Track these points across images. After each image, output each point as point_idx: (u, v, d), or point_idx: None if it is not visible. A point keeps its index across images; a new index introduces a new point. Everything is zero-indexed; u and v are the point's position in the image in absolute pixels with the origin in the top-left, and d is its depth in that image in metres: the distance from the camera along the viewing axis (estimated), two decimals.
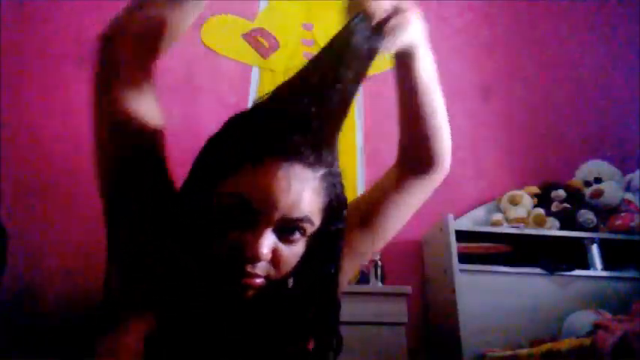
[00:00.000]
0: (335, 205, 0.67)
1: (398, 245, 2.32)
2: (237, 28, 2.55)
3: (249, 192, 0.60)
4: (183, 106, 2.26)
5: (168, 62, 2.17)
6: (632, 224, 2.19)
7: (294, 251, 0.63)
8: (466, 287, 1.97)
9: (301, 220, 0.62)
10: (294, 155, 0.61)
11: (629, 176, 2.40)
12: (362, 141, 2.47)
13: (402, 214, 0.80)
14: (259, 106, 0.67)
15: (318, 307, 0.67)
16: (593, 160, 2.45)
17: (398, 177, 0.79)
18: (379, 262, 2.01)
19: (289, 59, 2.52)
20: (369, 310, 1.79)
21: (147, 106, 0.67)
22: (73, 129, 2.10)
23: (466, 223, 2.32)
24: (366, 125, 2.49)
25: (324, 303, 0.68)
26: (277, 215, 0.60)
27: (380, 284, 1.96)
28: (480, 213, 2.40)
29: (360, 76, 0.66)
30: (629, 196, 2.32)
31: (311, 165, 0.62)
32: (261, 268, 0.61)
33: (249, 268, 0.60)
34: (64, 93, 2.23)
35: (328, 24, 2.62)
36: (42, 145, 2.16)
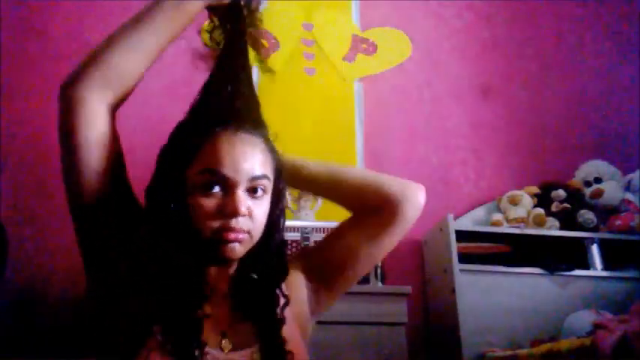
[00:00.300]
0: (280, 165, 0.82)
1: (398, 245, 2.31)
2: None
3: (216, 163, 0.73)
4: (183, 106, 2.26)
5: (168, 63, 2.18)
6: (632, 224, 2.19)
7: (261, 206, 0.76)
8: (466, 287, 1.97)
9: (261, 178, 0.76)
10: (237, 125, 0.76)
11: (629, 176, 2.40)
12: (362, 141, 2.47)
13: (373, 261, 0.93)
14: (196, 103, 0.82)
15: (273, 246, 0.81)
16: (593, 160, 2.44)
17: (362, 230, 0.88)
18: (379, 262, 2.01)
19: (289, 59, 2.52)
20: (369, 310, 1.79)
21: (108, 143, 0.75)
22: None
23: (466, 223, 2.32)
24: (366, 125, 2.49)
25: (277, 242, 0.82)
26: (243, 176, 0.73)
27: (380, 284, 1.96)
28: (479, 213, 2.40)
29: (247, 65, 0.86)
30: (629, 196, 2.31)
31: (251, 131, 0.77)
32: (243, 223, 0.73)
33: (232, 223, 0.72)
34: None
35: (328, 24, 2.62)
36: (42, 145, 2.16)
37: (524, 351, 1.72)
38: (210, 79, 0.83)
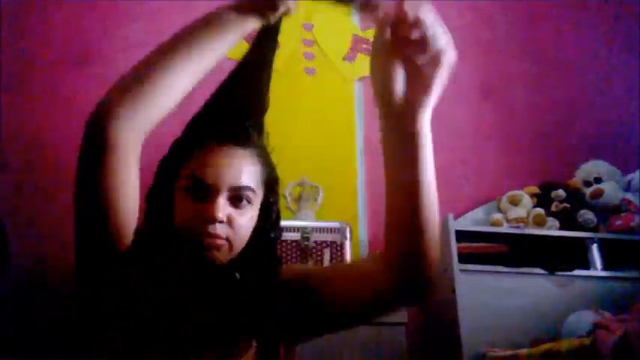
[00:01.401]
0: (272, 177, 0.83)
1: None
2: None
3: (200, 171, 0.76)
4: (183, 106, 2.26)
5: None
6: (632, 224, 2.18)
7: (244, 215, 0.77)
8: (466, 287, 1.97)
9: (244, 188, 0.77)
10: (229, 138, 0.78)
11: (629, 176, 2.40)
12: (362, 142, 2.47)
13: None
14: (200, 113, 0.84)
15: (264, 267, 0.82)
16: (593, 160, 2.44)
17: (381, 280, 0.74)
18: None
19: (289, 59, 2.52)
20: None
21: (128, 190, 0.72)
22: (73, 128, 2.10)
23: (466, 223, 2.32)
24: (366, 126, 2.49)
25: (270, 263, 0.83)
26: (224, 185, 0.75)
27: None
28: (479, 213, 2.40)
29: (267, 77, 0.87)
30: (629, 196, 2.31)
31: (242, 144, 0.79)
32: (221, 229, 0.74)
33: (210, 229, 0.73)
34: (64, 93, 2.23)
35: (328, 24, 2.62)
36: (42, 145, 2.16)
37: (524, 351, 1.72)
38: (224, 86, 0.85)
